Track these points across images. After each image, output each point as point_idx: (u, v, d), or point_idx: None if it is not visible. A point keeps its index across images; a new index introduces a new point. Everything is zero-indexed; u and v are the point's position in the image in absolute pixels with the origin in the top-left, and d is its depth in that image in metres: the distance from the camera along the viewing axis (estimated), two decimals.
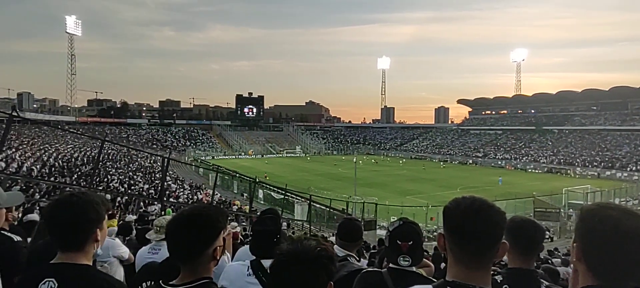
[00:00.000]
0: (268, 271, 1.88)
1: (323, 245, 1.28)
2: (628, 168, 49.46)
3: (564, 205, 26.32)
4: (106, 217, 1.61)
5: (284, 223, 19.36)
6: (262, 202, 28.30)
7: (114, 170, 31.59)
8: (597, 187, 32.73)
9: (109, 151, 41.39)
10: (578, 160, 56.75)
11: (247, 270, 2.06)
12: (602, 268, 1.15)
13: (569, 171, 52.92)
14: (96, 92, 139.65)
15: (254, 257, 2.13)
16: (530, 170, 57.13)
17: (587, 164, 54.40)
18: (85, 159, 35.37)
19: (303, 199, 25.60)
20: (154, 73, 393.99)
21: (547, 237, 21.07)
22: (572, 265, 1.37)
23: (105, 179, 25.90)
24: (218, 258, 1.53)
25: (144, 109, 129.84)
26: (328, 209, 25.05)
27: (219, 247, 1.52)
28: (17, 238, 2.22)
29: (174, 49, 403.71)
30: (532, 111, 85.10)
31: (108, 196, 17.25)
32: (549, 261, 8.47)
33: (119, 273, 3.70)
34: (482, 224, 1.19)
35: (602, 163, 53.24)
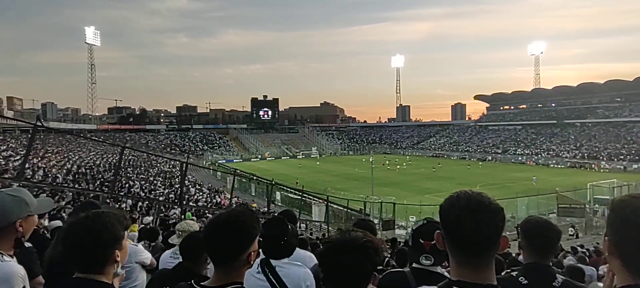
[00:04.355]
0: (275, 269, 2.10)
1: (369, 237, 1.38)
2: None
3: (589, 200, 25.49)
4: (126, 234, 1.58)
5: (302, 225, 19.38)
6: (279, 204, 28.42)
7: (134, 176, 32.29)
8: (624, 180, 31.56)
9: (130, 157, 42.29)
10: (603, 153, 55.03)
11: (257, 268, 2.13)
12: (638, 263, 1.10)
13: (593, 165, 51.36)
14: (116, 100, 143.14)
15: (264, 257, 2.20)
16: (552, 166, 55.71)
17: (612, 158, 52.70)
18: (107, 166, 36.27)
19: (320, 200, 25.58)
20: (171, 79, 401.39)
21: (572, 233, 20.48)
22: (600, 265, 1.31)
23: (127, 185, 26.48)
24: (252, 262, 1.55)
25: (162, 115, 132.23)
26: (345, 210, 24.95)
27: (254, 252, 1.54)
28: (28, 244, 2.24)
29: (188, 55, 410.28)
30: (553, 105, 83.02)
31: (129, 201, 17.64)
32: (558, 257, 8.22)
33: (142, 279, 3.75)
34: (479, 226, 1.15)
35: (629, 157, 51.47)
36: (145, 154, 46.53)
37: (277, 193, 30.59)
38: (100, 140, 57.76)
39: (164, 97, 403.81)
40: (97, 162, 38.60)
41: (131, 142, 73.12)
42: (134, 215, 11.04)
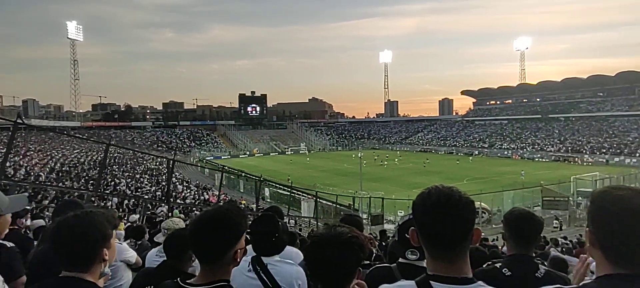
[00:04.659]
0: (267, 267, 2.09)
1: (355, 232, 1.40)
2: (637, 154, 48.98)
3: (573, 193, 26.03)
4: (114, 232, 1.57)
5: (292, 221, 19.37)
6: (268, 200, 28.35)
7: (120, 174, 31.81)
8: (606, 173, 32.35)
9: (115, 155, 41.65)
10: (586, 147, 56.25)
11: (248, 266, 2.11)
12: (617, 252, 1.13)
13: (577, 159, 52.48)
14: (100, 97, 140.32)
15: (255, 254, 2.18)
16: (537, 159, 56.73)
17: (595, 151, 53.92)
18: (91, 163, 35.65)
19: (309, 196, 25.60)
20: (156, 75, 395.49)
21: (556, 225, 20.92)
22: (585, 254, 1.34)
23: (113, 183, 26.08)
24: (239, 260, 1.54)
25: (148, 111, 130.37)
26: (334, 205, 25.03)
27: (240, 249, 1.53)
28: (10, 244, 2.22)
29: (174, 50, 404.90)
30: (538, 99, 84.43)
31: (115, 199, 17.38)
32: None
33: (127, 278, 3.69)
34: (450, 221, 1.17)
35: (610, 150, 52.75)
36: (131, 151, 45.86)
37: (266, 189, 30.49)
38: (84, 137, 56.74)
39: (149, 94, 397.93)
40: (82, 160, 37.88)
41: (116, 139, 71.93)
42: (119, 214, 10.88)
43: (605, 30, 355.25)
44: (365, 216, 23.01)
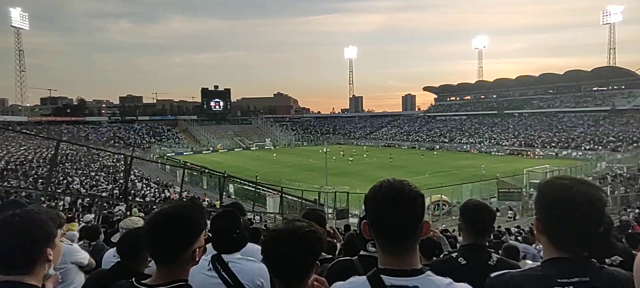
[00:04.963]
0: (228, 265, 2.03)
1: (313, 227, 1.39)
2: (582, 148, 52.51)
3: (526, 185, 27.56)
4: (59, 232, 1.48)
5: (257, 217, 19.17)
6: (233, 197, 27.88)
7: (73, 171, 30.15)
8: (555, 166, 34.54)
9: (67, 151, 39.40)
10: (537, 141, 59.62)
11: (208, 265, 2.05)
12: (560, 237, 1.23)
13: (529, 152, 55.49)
14: (50, 90, 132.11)
15: (215, 252, 2.11)
16: (493, 153, 59.42)
17: (545, 145, 57.27)
18: (41, 161, 33.50)
19: (274, 192, 25.43)
20: (113, 68, 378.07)
21: (510, 215, 22.05)
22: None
23: (65, 181, 24.67)
24: (197, 259, 1.49)
25: (104, 105, 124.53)
26: (300, 200, 25.03)
27: (199, 248, 1.48)
28: None
29: (132, 42, 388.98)
30: (494, 96, 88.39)
31: (68, 198, 16.43)
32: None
33: (79, 280, 3.49)
34: (399, 215, 1.20)
35: (559, 144, 56.23)
36: (85, 148, 43.54)
37: (231, 185, 29.97)
38: (32, 133, 53.08)
39: (105, 87, 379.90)
40: (30, 157, 35.49)
41: (69, 135, 67.93)
42: (73, 214, 10.29)
43: (556, 32, 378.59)
44: (330, 210, 23.18)
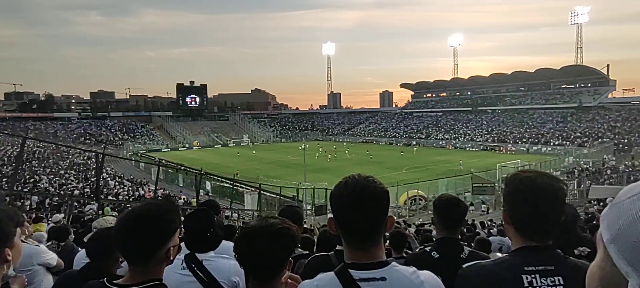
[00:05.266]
0: (202, 263, 2.00)
1: (287, 224, 1.38)
2: (551, 143, 54.51)
3: (498, 179, 28.41)
4: (18, 231, 1.42)
5: (235, 214, 18.98)
6: (211, 194, 27.48)
7: (41, 170, 28.98)
8: (526, 161, 35.78)
9: (35, 149, 37.83)
10: (509, 137, 61.47)
11: (181, 264, 2.01)
12: (525, 226, 1.30)
13: (501, 148, 57.20)
14: (14, 85, 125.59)
15: (189, 251, 2.08)
16: (468, 149, 60.90)
17: (517, 141, 59.11)
18: (5, 159, 32.03)
19: (252, 188, 25.24)
20: (83, 62, 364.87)
21: (484, 209, 22.67)
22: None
23: (32, 180, 23.69)
24: (172, 258, 1.46)
25: (73, 101, 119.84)
26: (278, 197, 24.94)
27: (173, 246, 1.45)
28: None
29: (103, 35, 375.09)
30: (469, 93, 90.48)
31: (35, 198, 15.79)
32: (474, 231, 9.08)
33: (47, 283, 3.36)
34: (364, 212, 1.22)
35: (530, 140, 58.16)
36: (53, 145, 41.87)
37: (208, 183, 29.52)
38: None
39: (74, 82, 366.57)
40: None
41: (36, 132, 65.17)
42: (40, 214, 9.89)
43: (528, 31, 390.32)
44: (309, 207, 23.21)
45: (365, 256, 1.25)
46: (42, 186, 22.62)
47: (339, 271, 1.26)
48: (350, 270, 1.24)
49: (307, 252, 2.75)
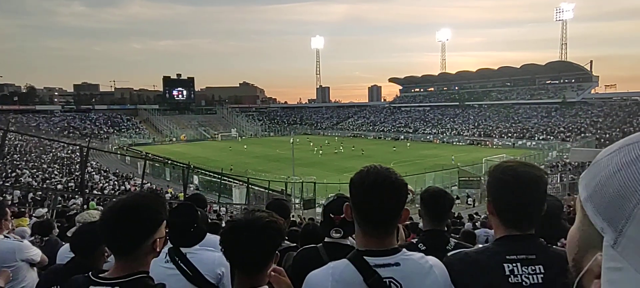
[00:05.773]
0: (186, 256, 2.01)
1: (273, 217, 1.38)
2: (536, 138, 55.51)
3: (484, 173, 28.83)
4: None
5: (223, 208, 18.89)
6: (198, 189, 27.27)
7: (23, 163, 28.36)
8: (512, 155, 36.35)
9: (16, 142, 36.96)
10: (495, 132, 62.37)
11: (165, 257, 2.01)
12: (507, 215, 1.34)
13: (487, 142, 58.01)
14: None
15: (172, 245, 2.07)
16: (455, 143, 61.56)
17: (503, 135, 60.02)
18: None
19: (241, 183, 25.13)
20: (66, 54, 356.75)
21: (470, 202, 23.04)
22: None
23: (14, 174, 23.17)
24: (158, 250, 1.46)
25: (56, 94, 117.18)
26: (267, 191, 24.91)
27: (160, 239, 1.45)
28: None
29: (87, 26, 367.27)
30: (456, 88, 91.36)
31: (17, 192, 15.46)
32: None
33: (31, 278, 3.31)
34: (385, 201, 1.26)
35: (516, 134, 59.12)
36: (36, 138, 40.97)
37: (195, 177, 29.27)
38: None
39: (57, 74, 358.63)
40: None
41: (17, 125, 63.50)
42: (22, 208, 9.70)
43: (514, 27, 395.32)
44: (297, 201, 23.24)
45: (380, 243, 1.29)
46: (24, 180, 22.15)
47: (354, 257, 1.29)
48: (365, 257, 1.27)
49: (294, 244, 2.76)
